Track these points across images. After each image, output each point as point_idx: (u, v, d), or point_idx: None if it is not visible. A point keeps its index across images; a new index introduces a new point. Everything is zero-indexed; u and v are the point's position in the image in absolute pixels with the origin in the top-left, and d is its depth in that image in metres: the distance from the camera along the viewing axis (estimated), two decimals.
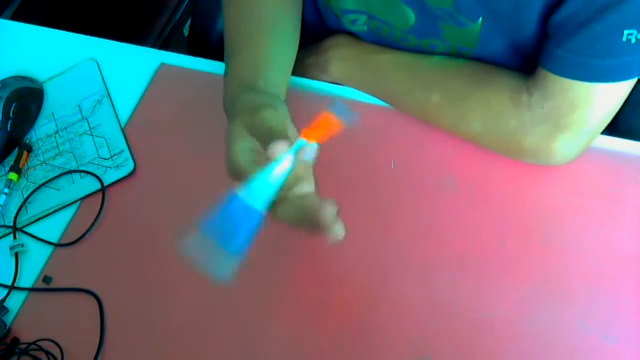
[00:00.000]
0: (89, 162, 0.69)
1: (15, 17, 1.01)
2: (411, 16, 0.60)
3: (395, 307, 0.56)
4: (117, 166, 0.68)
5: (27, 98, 0.74)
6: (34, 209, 0.67)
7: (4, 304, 0.61)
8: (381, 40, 0.66)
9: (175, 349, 0.57)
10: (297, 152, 0.45)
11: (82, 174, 0.68)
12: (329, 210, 0.46)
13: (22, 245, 0.65)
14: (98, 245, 0.64)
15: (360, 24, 0.65)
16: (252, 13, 0.62)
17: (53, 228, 0.65)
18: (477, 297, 0.56)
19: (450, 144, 0.63)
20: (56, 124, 0.73)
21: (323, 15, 0.70)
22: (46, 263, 0.63)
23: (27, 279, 0.63)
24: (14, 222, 0.66)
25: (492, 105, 0.59)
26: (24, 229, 0.66)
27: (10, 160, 0.71)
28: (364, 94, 0.67)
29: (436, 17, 0.59)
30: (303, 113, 0.69)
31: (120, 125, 0.71)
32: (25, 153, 0.70)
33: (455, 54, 0.64)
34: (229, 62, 0.60)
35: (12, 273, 0.63)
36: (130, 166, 0.67)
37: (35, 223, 0.66)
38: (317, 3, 0.69)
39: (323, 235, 0.47)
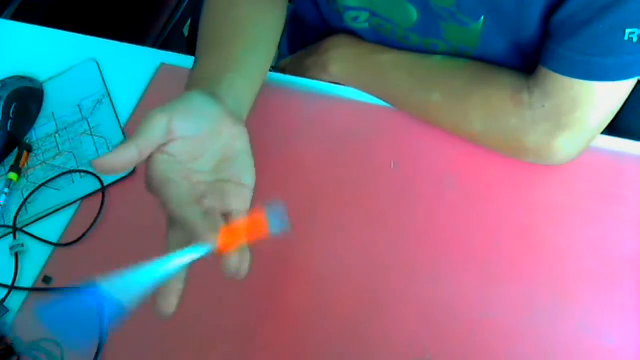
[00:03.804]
0: (89, 162, 0.69)
1: (15, 17, 1.01)
2: (413, 14, 0.60)
3: (395, 307, 0.56)
4: None
5: (27, 98, 0.74)
6: (34, 209, 0.67)
7: (4, 304, 0.61)
8: (382, 38, 0.66)
9: (175, 349, 0.57)
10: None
11: (82, 174, 0.68)
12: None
13: (22, 245, 0.65)
14: (98, 245, 0.64)
15: (362, 21, 0.65)
16: (228, 19, 0.61)
17: (53, 228, 0.65)
18: (477, 297, 0.56)
19: (450, 144, 0.63)
20: (56, 124, 0.73)
21: (324, 12, 0.70)
22: (46, 263, 0.63)
23: (27, 279, 0.63)
24: (14, 222, 0.66)
25: (493, 104, 0.59)
26: (24, 229, 0.66)
27: (10, 160, 0.71)
28: (365, 94, 0.67)
29: (438, 17, 0.59)
30: (303, 114, 0.69)
31: (120, 125, 0.71)
32: (25, 153, 0.70)
33: (457, 54, 0.64)
34: (195, 63, 0.59)
35: (12, 273, 0.63)
36: None
37: (35, 223, 0.66)
38: (319, 0, 0.69)
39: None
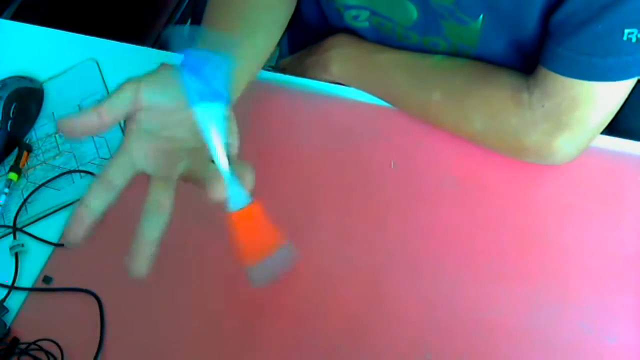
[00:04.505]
0: (89, 162, 0.69)
1: (15, 17, 1.01)
2: (413, 12, 0.60)
3: (395, 307, 0.56)
4: None
5: (27, 98, 0.74)
6: (34, 209, 0.67)
7: (4, 304, 0.61)
8: (383, 36, 0.66)
9: (174, 349, 0.57)
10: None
11: (82, 174, 0.68)
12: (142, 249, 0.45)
13: (22, 245, 0.64)
14: (98, 245, 0.64)
15: (362, 20, 0.65)
16: (229, 7, 0.61)
17: (53, 228, 0.65)
18: (477, 297, 0.56)
19: (450, 144, 0.63)
20: (56, 124, 0.73)
21: (325, 11, 0.70)
22: (46, 263, 0.63)
23: (27, 279, 0.63)
24: (14, 222, 0.66)
25: (493, 103, 0.59)
26: (24, 229, 0.66)
27: (10, 160, 0.71)
28: (365, 94, 0.67)
29: (438, 15, 0.59)
30: (303, 114, 0.69)
31: (120, 125, 0.71)
32: (25, 153, 0.70)
33: (457, 53, 0.64)
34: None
35: (12, 273, 0.63)
36: None
37: (35, 223, 0.66)
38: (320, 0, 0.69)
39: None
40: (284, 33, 0.66)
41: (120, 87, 0.46)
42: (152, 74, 0.47)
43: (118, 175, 0.46)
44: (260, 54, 0.62)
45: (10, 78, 0.75)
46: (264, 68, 0.75)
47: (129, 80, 0.46)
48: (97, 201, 0.46)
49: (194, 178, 0.47)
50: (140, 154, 0.47)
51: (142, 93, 0.46)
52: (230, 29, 0.59)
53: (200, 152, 0.47)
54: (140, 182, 0.67)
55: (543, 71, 0.56)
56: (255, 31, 0.61)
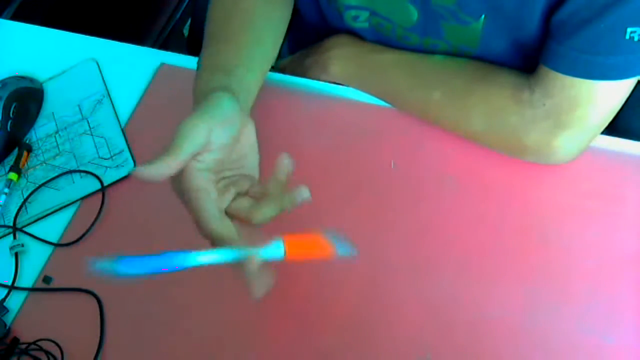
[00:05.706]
0: (89, 162, 0.69)
1: (15, 17, 1.01)
2: (414, 13, 0.60)
3: (394, 307, 0.56)
4: (117, 166, 0.68)
5: (27, 98, 0.74)
6: (34, 209, 0.67)
7: (4, 304, 0.61)
8: (382, 38, 0.66)
9: (175, 349, 0.57)
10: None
11: (82, 174, 0.68)
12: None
13: (22, 245, 0.65)
14: (98, 245, 0.64)
15: (362, 21, 0.65)
16: (236, 10, 0.62)
17: (53, 228, 0.65)
18: (477, 297, 0.56)
19: (450, 144, 0.63)
20: (56, 124, 0.73)
21: (324, 12, 0.70)
22: (46, 263, 0.63)
23: (27, 279, 0.63)
24: (14, 222, 0.66)
25: (494, 102, 0.59)
26: (24, 229, 0.66)
27: (10, 160, 0.71)
28: (365, 94, 0.67)
29: (438, 16, 0.59)
30: (303, 114, 0.69)
31: (120, 125, 0.71)
32: (25, 153, 0.70)
33: (457, 54, 0.64)
34: (203, 54, 0.60)
35: (12, 273, 0.63)
36: (130, 166, 0.67)
37: (35, 223, 0.66)
38: (319, 0, 0.69)
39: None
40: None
41: (191, 128, 0.45)
42: (214, 109, 0.47)
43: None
44: (268, 61, 0.63)
45: (10, 78, 0.75)
46: None
47: (197, 120, 0.45)
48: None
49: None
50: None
51: (215, 134, 0.46)
52: (236, 41, 0.60)
53: (234, 179, 0.49)
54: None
55: (544, 70, 0.56)
56: (262, 40, 0.62)
